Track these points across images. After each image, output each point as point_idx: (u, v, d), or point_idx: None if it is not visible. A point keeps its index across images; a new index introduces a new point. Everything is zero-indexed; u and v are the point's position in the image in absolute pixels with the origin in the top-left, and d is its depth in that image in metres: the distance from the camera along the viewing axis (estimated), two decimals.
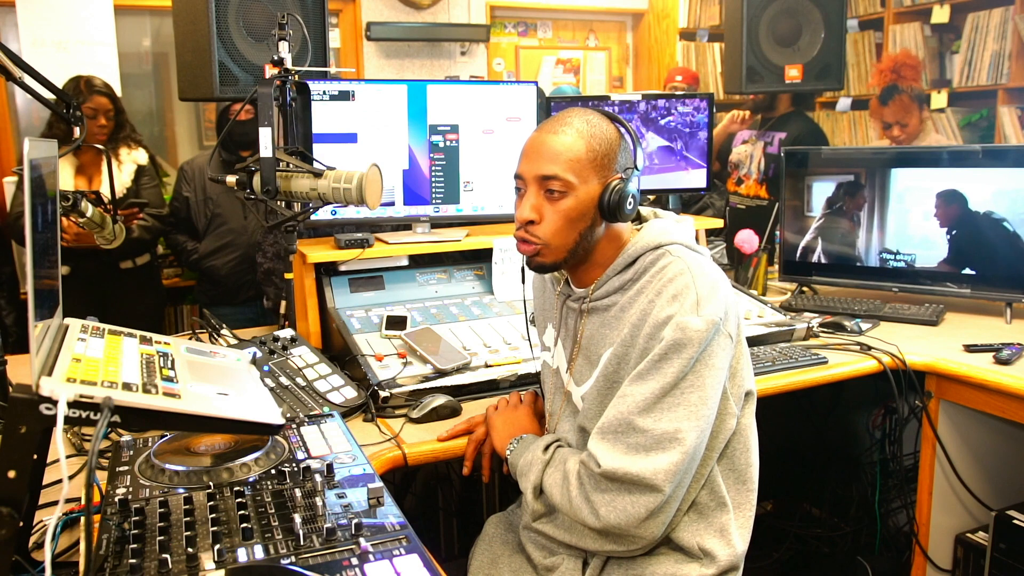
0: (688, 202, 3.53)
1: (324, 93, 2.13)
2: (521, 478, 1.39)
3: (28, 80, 1.60)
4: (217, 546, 0.97)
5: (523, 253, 1.36)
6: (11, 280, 3.39)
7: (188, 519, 1.04)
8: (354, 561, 0.95)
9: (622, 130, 1.36)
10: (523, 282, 1.63)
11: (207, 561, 0.95)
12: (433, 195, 2.28)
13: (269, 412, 1.13)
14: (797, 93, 3.48)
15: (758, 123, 3.77)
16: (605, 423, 1.26)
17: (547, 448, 1.38)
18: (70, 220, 2.64)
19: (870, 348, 2.08)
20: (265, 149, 1.75)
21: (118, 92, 3.13)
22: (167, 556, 0.95)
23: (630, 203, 1.31)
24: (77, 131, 1.72)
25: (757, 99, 3.68)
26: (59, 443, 0.84)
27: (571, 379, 1.43)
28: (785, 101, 3.61)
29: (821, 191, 2.60)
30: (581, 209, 1.30)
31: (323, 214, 2.15)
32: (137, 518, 1.04)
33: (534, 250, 1.34)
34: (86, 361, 1.02)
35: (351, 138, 2.18)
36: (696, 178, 2.65)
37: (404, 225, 2.37)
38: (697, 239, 2.08)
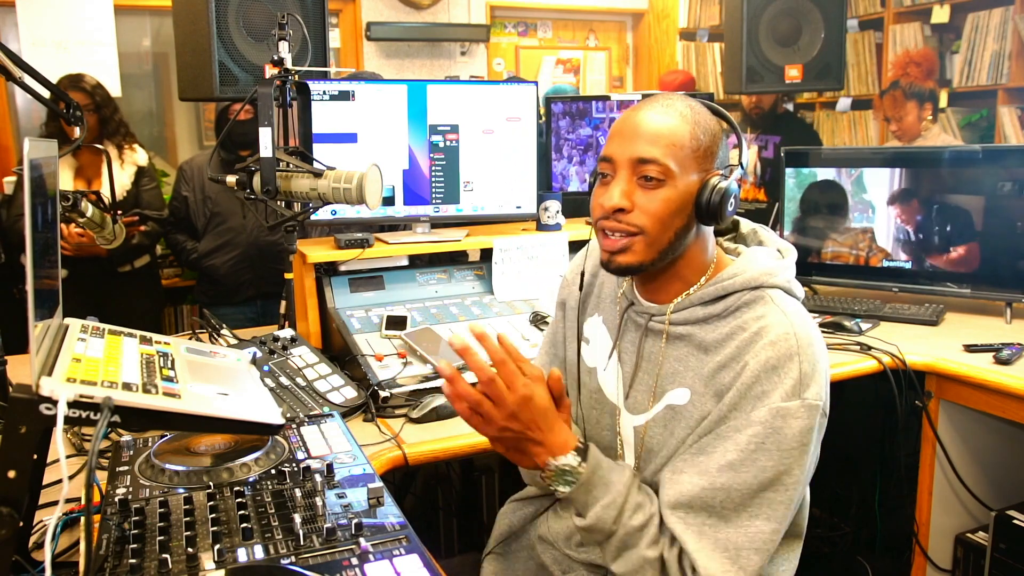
0: None
1: (324, 93, 2.13)
2: (586, 532, 1.15)
3: (28, 80, 1.60)
4: (217, 546, 0.97)
5: (608, 249, 1.15)
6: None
7: (188, 519, 1.04)
8: (354, 561, 0.95)
9: (726, 125, 1.20)
10: (580, 288, 1.36)
11: (207, 561, 0.95)
12: (433, 195, 2.28)
13: (269, 412, 1.13)
14: (785, 93, 3.50)
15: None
16: (695, 517, 1.10)
17: (618, 518, 1.12)
18: (70, 229, 2.66)
19: (870, 348, 2.08)
20: (265, 149, 1.75)
21: (117, 92, 3.12)
22: (167, 556, 0.95)
23: (731, 205, 1.14)
24: (77, 131, 1.72)
25: (755, 109, 3.70)
26: (59, 443, 0.84)
27: (624, 402, 1.27)
28: (778, 102, 3.62)
29: (822, 190, 2.60)
30: (679, 202, 1.12)
31: (323, 214, 2.15)
32: (137, 518, 1.04)
33: (625, 243, 1.13)
34: (86, 361, 1.02)
35: (351, 138, 2.18)
36: None
37: (404, 225, 2.37)
38: None
